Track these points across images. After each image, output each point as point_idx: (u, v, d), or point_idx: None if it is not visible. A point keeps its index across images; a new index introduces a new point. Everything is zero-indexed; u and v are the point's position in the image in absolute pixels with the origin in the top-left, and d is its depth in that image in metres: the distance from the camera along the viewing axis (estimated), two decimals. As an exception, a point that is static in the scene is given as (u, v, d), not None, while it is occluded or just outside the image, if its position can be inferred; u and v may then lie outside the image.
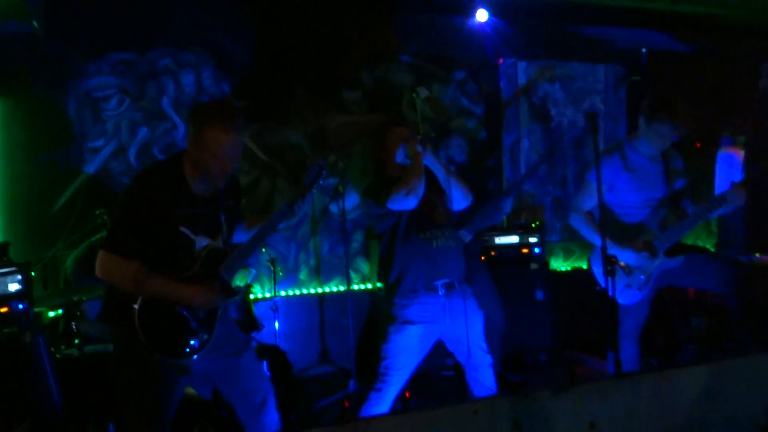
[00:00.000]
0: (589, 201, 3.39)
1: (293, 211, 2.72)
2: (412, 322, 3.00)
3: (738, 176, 3.33)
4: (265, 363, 3.86)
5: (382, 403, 2.99)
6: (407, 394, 3.24)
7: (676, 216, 3.40)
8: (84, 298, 3.40)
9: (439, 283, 3.03)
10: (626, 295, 3.36)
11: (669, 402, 2.13)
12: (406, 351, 3.01)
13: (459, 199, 3.13)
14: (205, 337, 2.51)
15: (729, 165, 5.47)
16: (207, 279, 2.50)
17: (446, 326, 3.07)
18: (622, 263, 3.33)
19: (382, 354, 3.03)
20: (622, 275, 3.33)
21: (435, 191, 3.14)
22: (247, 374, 2.68)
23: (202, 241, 2.51)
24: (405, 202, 2.97)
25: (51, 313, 4.08)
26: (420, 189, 2.97)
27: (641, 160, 3.39)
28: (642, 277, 3.35)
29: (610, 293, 2.92)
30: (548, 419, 2.01)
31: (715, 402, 2.17)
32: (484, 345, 3.13)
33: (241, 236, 2.83)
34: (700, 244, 6.24)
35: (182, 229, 2.45)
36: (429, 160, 3.06)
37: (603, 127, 6.08)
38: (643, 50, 5.85)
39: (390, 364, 3.00)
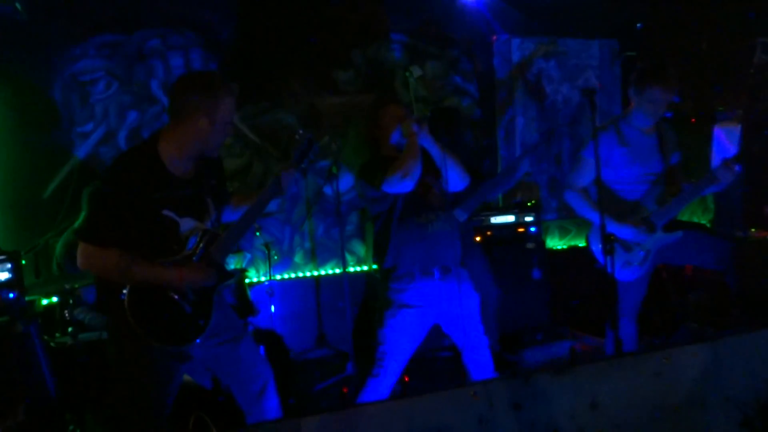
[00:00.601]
0: (585, 178, 3.36)
1: (282, 188, 2.65)
2: (408, 306, 2.97)
3: (734, 152, 3.31)
4: (261, 348, 3.84)
5: (381, 388, 2.96)
6: (406, 378, 3.22)
7: (671, 191, 3.37)
8: (77, 286, 3.36)
9: (434, 267, 2.99)
10: (626, 272, 3.34)
11: (670, 381, 2.11)
12: (402, 335, 2.98)
13: (455, 180, 3.07)
14: (202, 322, 2.46)
15: (725, 140, 5.44)
16: (197, 261, 2.45)
17: (442, 310, 3.04)
18: (623, 242, 3.31)
19: (378, 339, 3.00)
20: (621, 252, 3.31)
21: (430, 172, 3.07)
22: (246, 360, 2.65)
23: (188, 223, 2.44)
24: (401, 185, 2.90)
25: (44, 301, 4.04)
26: (416, 171, 2.90)
27: (635, 134, 3.37)
28: (641, 253, 3.33)
29: (609, 272, 2.90)
30: (549, 400, 1.99)
31: (716, 380, 2.15)
32: (480, 327, 3.11)
33: (229, 215, 2.77)
34: (696, 220, 6.23)
35: (165, 212, 2.38)
36: (425, 141, 2.99)
37: (598, 103, 6.00)
38: (638, 25, 5.78)
39: (387, 349, 2.97)
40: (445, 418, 1.89)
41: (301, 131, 2.76)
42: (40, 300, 4.01)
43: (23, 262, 3.35)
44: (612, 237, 2.81)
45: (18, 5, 4.18)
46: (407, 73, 5.15)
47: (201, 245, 2.46)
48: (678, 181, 3.43)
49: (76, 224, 4.05)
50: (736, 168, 3.19)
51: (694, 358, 2.16)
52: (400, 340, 2.98)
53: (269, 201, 2.67)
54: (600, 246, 3.20)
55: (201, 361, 2.60)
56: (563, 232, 5.98)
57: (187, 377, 2.97)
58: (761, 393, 2.20)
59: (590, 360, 2.07)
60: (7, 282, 3.08)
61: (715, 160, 5.46)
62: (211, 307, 2.50)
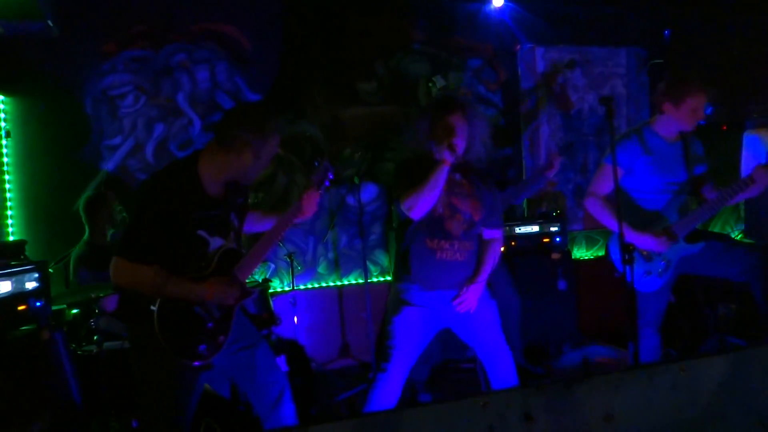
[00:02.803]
0: (607, 185, 3.31)
1: (303, 211, 2.73)
2: (412, 305, 2.98)
3: (763, 159, 3.22)
4: (283, 357, 3.86)
5: (390, 383, 2.95)
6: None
7: (696, 201, 3.30)
8: (101, 295, 3.42)
9: (439, 286, 2.99)
10: (646, 282, 3.27)
11: (687, 393, 2.06)
12: (407, 332, 2.97)
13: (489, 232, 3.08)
14: (221, 339, 2.52)
15: (755, 147, 5.30)
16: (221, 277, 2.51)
17: (451, 314, 3.02)
18: (644, 252, 3.25)
19: (386, 335, 3.01)
20: (641, 262, 3.25)
21: (465, 198, 2.94)
22: (263, 367, 2.69)
23: (216, 242, 2.52)
24: (409, 213, 2.86)
25: (74, 310, 4.12)
26: (425, 205, 2.81)
27: (660, 143, 3.31)
28: (662, 263, 3.26)
29: (628, 281, 2.84)
30: (562, 412, 1.96)
31: (736, 393, 2.09)
32: (500, 336, 3.06)
33: (251, 227, 2.83)
34: (728, 229, 6.08)
35: (199, 232, 2.45)
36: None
37: (625, 111, 5.95)
38: (666, 32, 5.69)
39: (393, 343, 2.97)
40: (455, 428, 1.88)
41: (318, 160, 2.82)
42: (70, 310, 4.09)
43: (50, 271, 3.42)
44: (631, 246, 2.75)
45: (50, 22, 4.32)
46: (430, 84, 5.20)
47: (225, 264, 2.53)
48: (703, 190, 3.36)
49: (84, 238, 4.14)
50: None
51: (713, 371, 2.10)
52: (405, 336, 2.97)
53: (290, 222, 2.73)
54: (619, 255, 3.15)
55: (220, 369, 2.63)
56: (590, 242, 5.90)
57: (205, 386, 3.00)
58: (784, 407, 2.13)
59: (604, 371, 2.03)
60: (34, 291, 3.15)
61: (745, 167, 5.33)
62: (230, 323, 2.56)
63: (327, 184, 2.81)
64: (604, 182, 3.32)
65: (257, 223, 2.85)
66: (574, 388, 1.98)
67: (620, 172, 3.01)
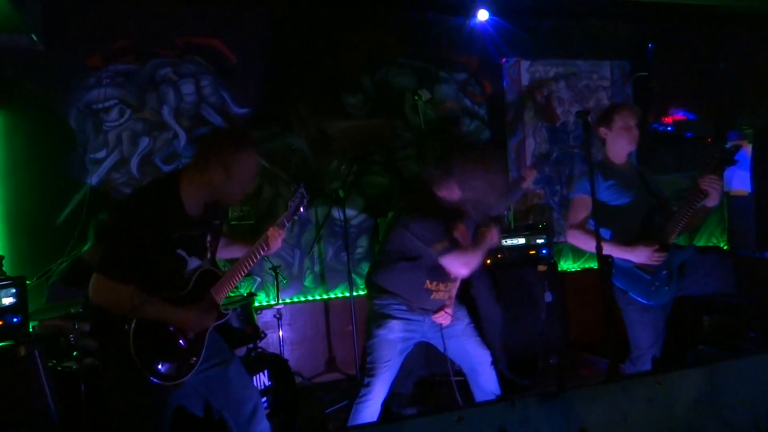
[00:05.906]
0: (580, 215, 3.33)
1: (269, 247, 2.72)
2: (392, 317, 3.06)
3: (746, 170, 3.23)
4: (267, 371, 3.83)
5: (373, 397, 3.01)
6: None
7: (665, 214, 3.32)
8: (81, 311, 3.38)
9: (421, 310, 3.11)
10: (657, 295, 3.22)
11: (665, 406, 2.04)
12: (388, 344, 3.04)
13: None
14: (194, 360, 2.52)
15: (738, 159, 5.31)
16: (198, 300, 2.52)
17: (429, 325, 3.11)
18: (643, 266, 3.24)
19: (367, 351, 3.08)
20: (645, 277, 3.20)
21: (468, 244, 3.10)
22: (236, 383, 2.70)
23: (194, 262, 2.53)
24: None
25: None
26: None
27: (617, 168, 3.38)
28: (664, 272, 3.22)
29: (610, 296, 2.85)
30: (537, 426, 1.94)
31: (714, 406, 2.08)
32: (476, 339, 3.15)
33: (221, 252, 2.83)
34: (714, 240, 6.09)
35: (179, 251, 2.45)
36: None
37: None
38: (650, 45, 5.74)
39: (375, 358, 3.03)
40: (429, 444, 1.86)
41: (295, 185, 2.84)
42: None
43: (28, 283, 3.39)
44: (609, 258, 2.75)
45: (34, 36, 4.31)
46: (416, 97, 5.20)
47: (201, 285, 2.54)
48: (669, 203, 3.40)
49: (81, 252, 4.11)
50: (722, 177, 3.15)
51: (690, 383, 2.09)
52: (386, 349, 3.03)
53: (258, 257, 2.72)
54: (621, 280, 3.20)
55: (192, 386, 2.62)
56: (577, 255, 5.90)
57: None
58: (762, 421, 2.12)
59: (580, 385, 2.02)
60: (11, 306, 3.13)
61: (728, 179, 5.33)
62: (203, 344, 2.56)
63: (303, 211, 2.82)
64: (578, 213, 3.34)
65: (224, 249, 2.85)
66: (549, 402, 1.97)
67: (588, 200, 3.04)
